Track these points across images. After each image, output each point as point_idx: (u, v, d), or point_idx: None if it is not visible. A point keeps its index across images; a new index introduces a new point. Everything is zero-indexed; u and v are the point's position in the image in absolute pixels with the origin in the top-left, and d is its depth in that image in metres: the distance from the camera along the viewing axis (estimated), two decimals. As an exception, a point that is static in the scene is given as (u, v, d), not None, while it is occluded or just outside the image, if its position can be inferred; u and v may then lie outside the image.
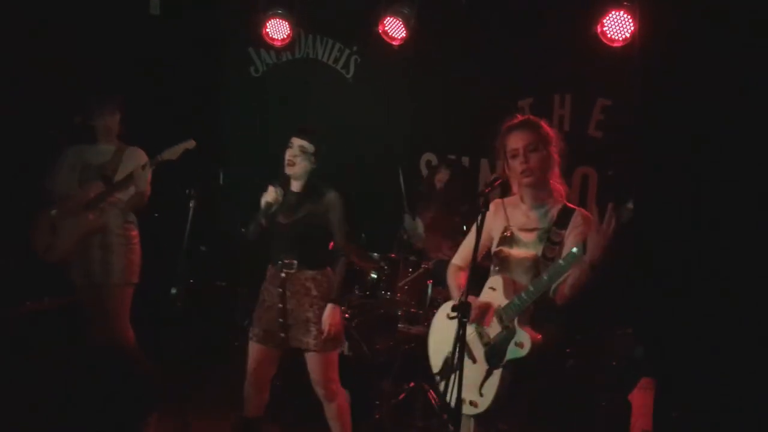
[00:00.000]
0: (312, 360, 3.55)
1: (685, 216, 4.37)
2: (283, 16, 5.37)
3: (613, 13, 4.50)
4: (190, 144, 4.19)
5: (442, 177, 4.91)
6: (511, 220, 2.93)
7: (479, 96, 5.26)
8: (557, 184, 2.94)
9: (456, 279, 3.12)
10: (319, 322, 3.49)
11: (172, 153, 4.19)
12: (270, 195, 3.54)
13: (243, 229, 3.69)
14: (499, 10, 5.20)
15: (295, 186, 3.61)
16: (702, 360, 4.18)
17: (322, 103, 5.86)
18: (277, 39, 5.49)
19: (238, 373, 5.02)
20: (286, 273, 3.53)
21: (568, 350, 4.36)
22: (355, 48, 5.92)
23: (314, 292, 3.52)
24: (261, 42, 5.60)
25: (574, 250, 2.64)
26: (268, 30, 5.45)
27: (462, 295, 2.68)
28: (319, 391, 3.61)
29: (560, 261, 2.67)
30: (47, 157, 4.63)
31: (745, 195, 4.30)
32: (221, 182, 5.60)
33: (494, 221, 2.99)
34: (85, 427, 1.72)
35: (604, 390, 4.10)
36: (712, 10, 4.44)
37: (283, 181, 3.61)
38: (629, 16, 4.46)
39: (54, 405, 1.76)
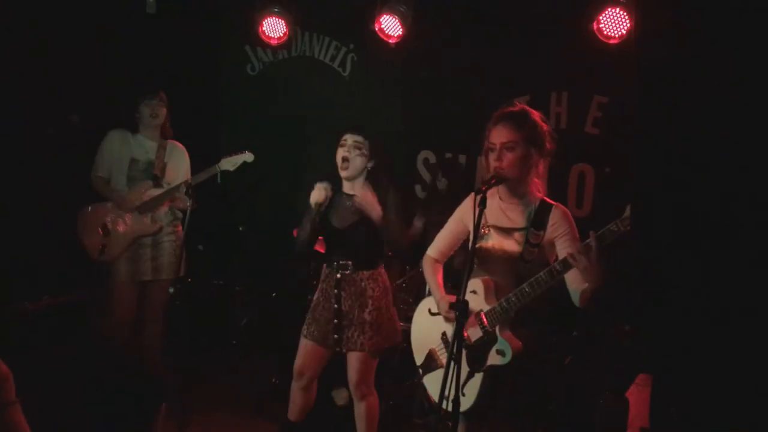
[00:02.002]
0: (357, 360, 3.49)
1: (684, 213, 4.36)
2: (279, 15, 5.36)
3: (610, 10, 4.51)
4: (249, 157, 4.20)
5: (441, 184, 4.88)
6: (488, 217, 2.87)
7: (476, 93, 5.26)
8: (536, 180, 2.89)
9: (433, 273, 3.11)
10: (375, 322, 3.44)
11: (230, 164, 4.22)
12: (318, 194, 3.42)
13: (295, 236, 3.60)
14: (496, 7, 5.20)
15: (350, 188, 3.51)
16: (700, 356, 4.19)
17: (319, 102, 5.86)
18: (274, 37, 5.48)
19: (236, 371, 5.06)
20: (342, 274, 3.47)
21: (566, 346, 4.38)
22: (351, 46, 5.91)
23: (370, 293, 3.47)
24: (257, 40, 5.59)
25: (557, 266, 2.62)
26: (264, 28, 5.44)
27: (460, 293, 2.67)
28: (354, 389, 3.59)
29: (542, 275, 2.64)
30: (45, 155, 4.64)
31: (744, 192, 4.30)
32: (218, 181, 5.60)
33: (471, 216, 2.94)
34: (96, 421, 1.73)
35: (601, 387, 4.11)
36: (710, 7, 4.44)
37: (337, 184, 3.51)
38: (625, 13, 4.47)
39: (58, 402, 1.76)
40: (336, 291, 3.48)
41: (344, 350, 3.52)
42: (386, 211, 3.37)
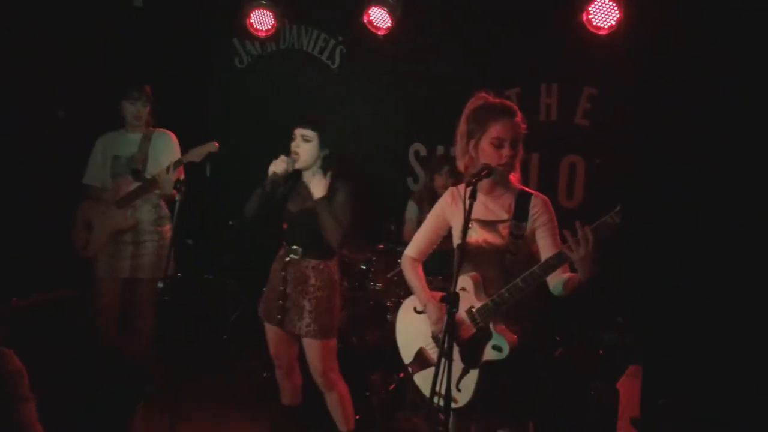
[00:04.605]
0: (308, 346, 3.58)
1: (675, 205, 4.38)
2: (267, 7, 5.33)
3: (599, 1, 4.50)
4: (213, 147, 4.16)
5: (443, 183, 4.78)
6: (472, 212, 2.87)
7: (466, 86, 5.23)
8: (513, 172, 2.88)
9: (414, 272, 3.09)
10: (313, 311, 3.53)
11: (196, 155, 4.16)
12: (279, 165, 3.51)
13: (243, 208, 3.66)
14: (485, -1, 5.20)
15: (307, 176, 3.61)
16: (689, 347, 4.21)
17: (308, 94, 5.83)
18: (262, 30, 5.45)
19: (227, 366, 5.05)
20: (290, 258, 3.57)
21: (557, 338, 4.39)
22: (340, 38, 5.90)
23: (313, 281, 3.55)
24: (245, 33, 5.56)
25: (551, 259, 2.62)
26: (252, 21, 5.41)
27: (451, 285, 2.65)
28: (318, 379, 3.64)
29: (536, 269, 2.63)
30: (38, 154, 4.61)
31: (735, 183, 4.32)
32: (208, 175, 5.58)
33: (452, 210, 2.94)
34: (75, 417, 1.72)
35: (592, 378, 4.13)
36: (708, 5, 4.44)
37: (297, 172, 3.60)
38: (614, 4, 4.46)
39: (43, 398, 1.76)
40: (283, 273, 3.59)
41: (287, 328, 3.61)
42: (326, 204, 3.48)
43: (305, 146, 3.53)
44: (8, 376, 1.75)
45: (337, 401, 3.68)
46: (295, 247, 3.57)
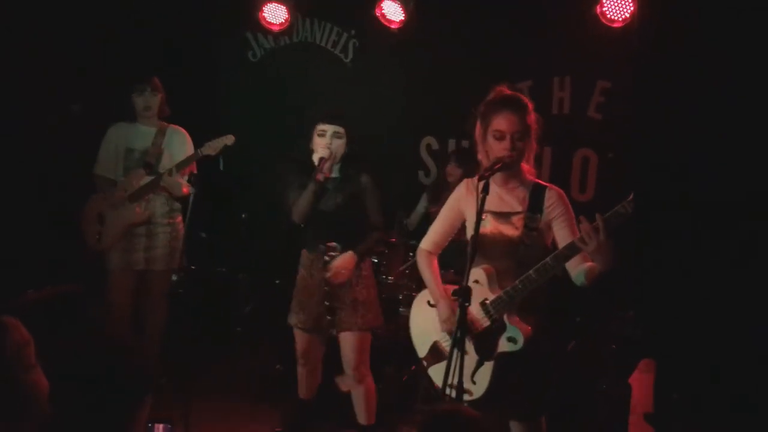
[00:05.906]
0: (352, 339, 3.57)
1: (685, 197, 4.36)
2: (280, 0, 5.33)
3: (613, -7, 4.47)
4: (229, 139, 4.18)
5: (452, 170, 4.87)
6: (486, 203, 2.86)
7: (479, 78, 5.22)
8: (526, 165, 2.89)
9: (428, 266, 3.09)
10: (366, 301, 3.55)
11: (212, 148, 4.19)
12: (324, 152, 3.45)
13: (291, 205, 3.58)
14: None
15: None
16: (702, 342, 4.19)
17: (321, 88, 5.83)
18: (275, 23, 5.46)
19: (240, 358, 5.07)
20: (330, 257, 3.51)
21: (570, 331, 4.38)
22: (353, 32, 5.88)
23: (359, 272, 3.56)
24: (258, 26, 5.57)
25: (565, 250, 2.62)
26: (265, 14, 5.42)
27: (463, 278, 2.65)
28: (350, 372, 3.65)
29: (548, 260, 2.64)
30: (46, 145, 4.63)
31: (745, 177, 4.28)
32: (221, 168, 5.59)
33: (467, 202, 2.95)
34: (76, 411, 1.74)
35: (604, 373, 4.11)
36: (708, 5, 4.40)
37: (308, 170, 3.54)
38: (629, -3, 4.44)
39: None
40: (327, 273, 3.52)
41: (337, 332, 3.59)
42: (367, 210, 3.55)
43: (338, 142, 3.49)
44: (17, 345, 1.82)
45: (364, 395, 3.70)
46: (331, 244, 3.52)
